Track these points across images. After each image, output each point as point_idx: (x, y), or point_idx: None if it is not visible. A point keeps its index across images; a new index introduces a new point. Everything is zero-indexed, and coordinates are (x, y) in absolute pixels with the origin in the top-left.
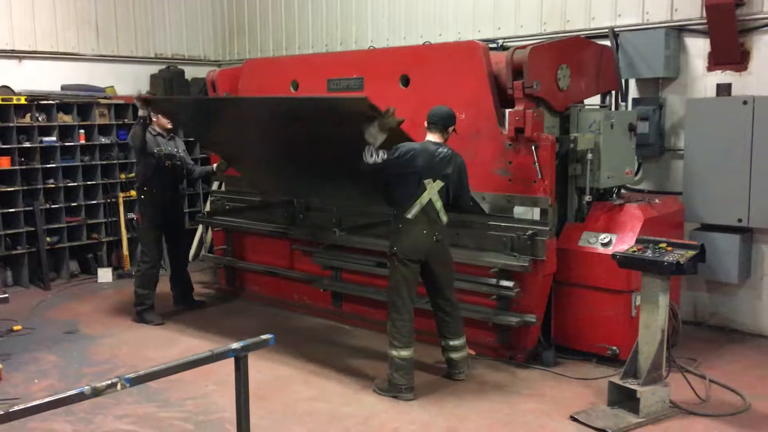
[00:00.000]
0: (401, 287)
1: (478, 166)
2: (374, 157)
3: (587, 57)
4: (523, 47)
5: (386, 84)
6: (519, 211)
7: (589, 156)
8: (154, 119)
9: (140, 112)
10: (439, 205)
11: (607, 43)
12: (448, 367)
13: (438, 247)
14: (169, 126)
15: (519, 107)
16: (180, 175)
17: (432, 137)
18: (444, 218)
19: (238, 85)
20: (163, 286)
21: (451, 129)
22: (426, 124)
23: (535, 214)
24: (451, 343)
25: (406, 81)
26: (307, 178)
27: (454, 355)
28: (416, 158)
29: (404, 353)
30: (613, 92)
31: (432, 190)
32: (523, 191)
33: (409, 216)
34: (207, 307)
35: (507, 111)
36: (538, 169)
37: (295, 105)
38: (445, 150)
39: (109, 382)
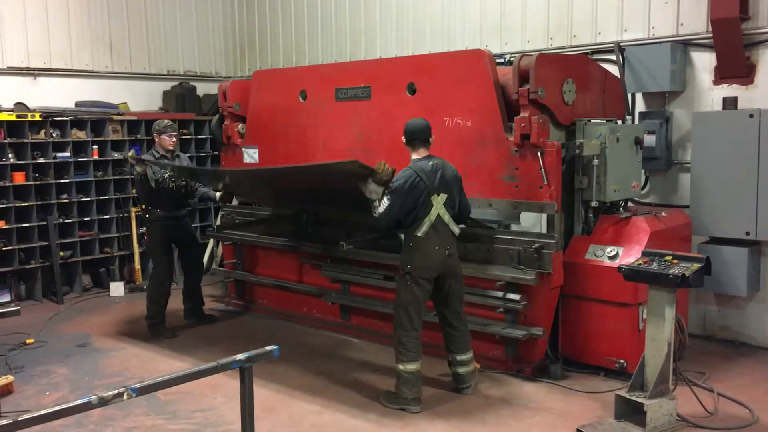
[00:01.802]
0: (411, 306)
1: (485, 173)
2: (383, 207)
3: (593, 76)
4: (530, 55)
5: (393, 92)
6: (527, 225)
7: (595, 162)
8: (156, 139)
9: (137, 169)
10: (447, 217)
11: (613, 57)
12: (455, 382)
13: (451, 261)
14: (171, 147)
15: (524, 114)
16: (186, 193)
17: (418, 154)
18: (455, 230)
19: (249, 96)
20: (175, 300)
21: (431, 139)
22: (408, 141)
23: (542, 227)
24: (459, 357)
25: (412, 89)
26: (316, 208)
27: (461, 370)
28: (419, 180)
29: (411, 367)
30: None
31: (438, 205)
32: (529, 197)
33: (419, 234)
34: (217, 320)
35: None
36: (544, 175)
37: (292, 172)
38: (435, 160)
39: (116, 391)
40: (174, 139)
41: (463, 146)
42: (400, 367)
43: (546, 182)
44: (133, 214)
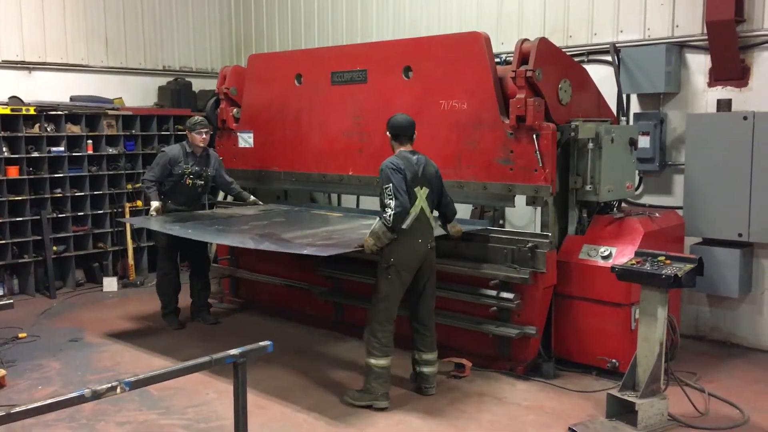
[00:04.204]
0: (391, 299)
1: (480, 156)
2: (391, 206)
3: (589, 85)
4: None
5: (389, 75)
6: (521, 225)
7: (590, 146)
8: (188, 135)
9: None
10: (428, 211)
11: (609, 58)
12: (419, 382)
13: (431, 254)
14: (202, 144)
15: (520, 95)
16: (203, 192)
17: (403, 148)
18: (434, 224)
19: (245, 81)
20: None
21: (415, 135)
22: (394, 136)
23: (536, 227)
24: (425, 356)
25: (408, 72)
26: None
27: (426, 370)
28: (404, 169)
29: (383, 362)
30: (615, 106)
31: (421, 198)
32: (524, 180)
33: (404, 226)
34: (220, 322)
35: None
36: (539, 157)
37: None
38: (419, 155)
39: (109, 385)
40: (204, 136)
41: (459, 129)
42: (372, 361)
43: (541, 164)
44: (127, 210)
